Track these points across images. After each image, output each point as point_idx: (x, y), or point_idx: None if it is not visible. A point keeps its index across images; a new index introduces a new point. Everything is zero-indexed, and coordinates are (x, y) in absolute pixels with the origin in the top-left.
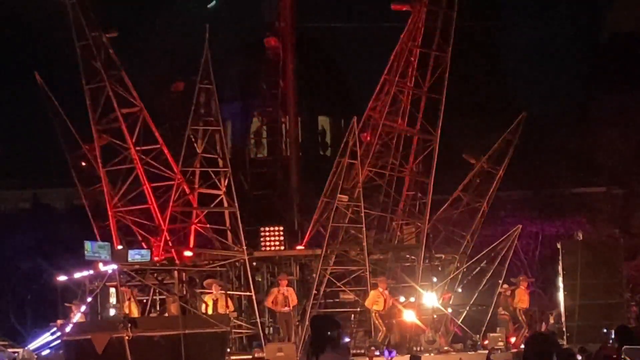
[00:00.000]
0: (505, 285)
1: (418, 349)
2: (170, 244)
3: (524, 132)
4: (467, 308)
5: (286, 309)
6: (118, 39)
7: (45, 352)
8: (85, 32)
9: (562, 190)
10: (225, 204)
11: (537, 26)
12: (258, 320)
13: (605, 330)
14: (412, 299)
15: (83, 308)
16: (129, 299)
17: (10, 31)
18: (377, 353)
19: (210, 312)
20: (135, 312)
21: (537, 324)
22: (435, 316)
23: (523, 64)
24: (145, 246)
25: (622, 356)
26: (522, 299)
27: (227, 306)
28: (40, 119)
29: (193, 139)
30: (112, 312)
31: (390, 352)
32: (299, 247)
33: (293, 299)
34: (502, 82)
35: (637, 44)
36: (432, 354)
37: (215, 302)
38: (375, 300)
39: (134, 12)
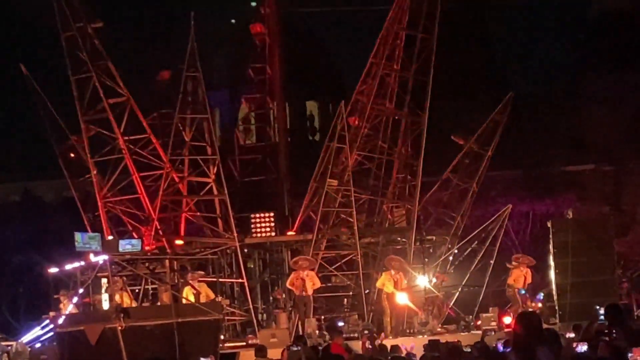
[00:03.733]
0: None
1: (411, 331)
2: (161, 233)
3: (513, 111)
4: (459, 289)
5: (304, 293)
6: (103, 28)
7: (39, 344)
8: (70, 23)
9: (551, 169)
10: (215, 192)
11: (525, 5)
12: (251, 306)
13: (597, 307)
14: (404, 282)
15: (75, 299)
16: (121, 289)
17: None
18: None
19: None
20: (127, 302)
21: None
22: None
23: (511, 43)
24: (136, 236)
25: (614, 334)
26: (516, 279)
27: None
28: (27, 111)
29: (181, 128)
30: (105, 304)
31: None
32: (290, 233)
33: (314, 283)
34: (491, 62)
35: (626, 21)
36: (425, 336)
37: (197, 296)
38: (384, 282)
39: (120, 1)
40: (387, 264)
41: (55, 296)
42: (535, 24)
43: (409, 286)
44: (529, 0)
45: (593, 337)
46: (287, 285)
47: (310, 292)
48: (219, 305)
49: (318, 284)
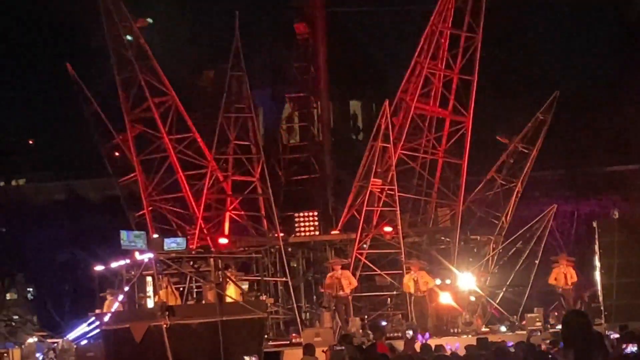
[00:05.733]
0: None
1: (455, 331)
2: (205, 232)
3: (557, 110)
4: (504, 289)
5: (342, 292)
6: (148, 28)
7: (84, 342)
8: (115, 22)
9: (596, 169)
10: (259, 191)
11: (567, 3)
12: (295, 305)
13: None
14: (447, 281)
15: (120, 297)
16: (166, 287)
17: (42, 22)
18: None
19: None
20: (172, 301)
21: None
22: (473, 298)
23: (554, 41)
24: (180, 234)
25: None
26: (557, 278)
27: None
28: (72, 110)
29: (225, 127)
30: (149, 302)
31: (424, 335)
32: (333, 232)
33: (351, 282)
34: (534, 61)
35: None
36: (469, 336)
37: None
38: (407, 284)
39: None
40: (407, 265)
41: (101, 294)
42: (578, 23)
43: (453, 286)
44: None
45: None
46: (325, 289)
47: (347, 291)
48: (263, 304)
49: (354, 283)
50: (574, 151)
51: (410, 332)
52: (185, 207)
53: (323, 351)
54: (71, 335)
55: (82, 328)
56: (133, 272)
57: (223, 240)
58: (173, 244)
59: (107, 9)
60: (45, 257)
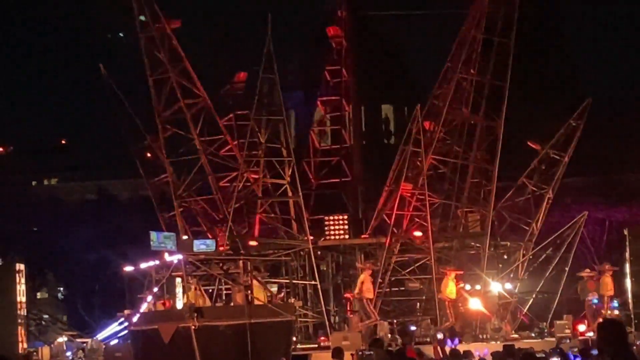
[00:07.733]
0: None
1: (484, 337)
2: (235, 234)
3: (589, 117)
4: (533, 296)
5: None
6: (181, 29)
7: (114, 342)
8: (148, 23)
9: (628, 176)
10: (290, 194)
11: (601, 8)
12: (323, 309)
13: None
14: (477, 287)
15: (150, 298)
16: (195, 289)
17: (75, 24)
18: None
19: None
20: (200, 302)
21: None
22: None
23: (588, 46)
24: (210, 236)
25: None
26: (611, 287)
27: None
28: (105, 111)
29: (257, 129)
30: (179, 303)
31: (453, 340)
32: (363, 236)
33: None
34: (567, 66)
35: None
36: (498, 342)
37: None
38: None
39: (197, 2)
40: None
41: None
42: (611, 27)
43: (482, 291)
44: (604, 3)
45: None
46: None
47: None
48: (292, 307)
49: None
50: (605, 158)
51: (440, 335)
52: (216, 209)
53: (351, 354)
54: (100, 335)
55: (112, 328)
56: (162, 273)
57: (253, 243)
58: (202, 245)
59: (140, 11)
60: (76, 257)
